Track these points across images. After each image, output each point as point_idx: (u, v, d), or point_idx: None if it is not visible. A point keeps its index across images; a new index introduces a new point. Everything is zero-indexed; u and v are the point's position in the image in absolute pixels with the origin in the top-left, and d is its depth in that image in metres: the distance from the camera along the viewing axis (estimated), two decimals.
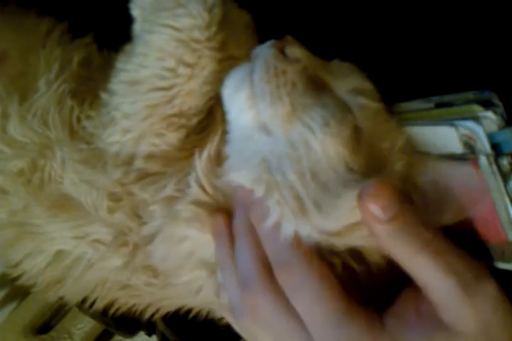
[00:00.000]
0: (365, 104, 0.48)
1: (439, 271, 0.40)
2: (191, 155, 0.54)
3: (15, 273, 0.64)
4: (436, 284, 0.40)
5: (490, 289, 0.41)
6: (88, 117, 0.58)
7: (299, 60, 0.49)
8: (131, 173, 0.53)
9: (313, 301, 0.41)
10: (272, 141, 0.47)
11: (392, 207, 0.40)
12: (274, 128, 0.47)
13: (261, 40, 0.52)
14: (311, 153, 0.46)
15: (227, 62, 0.54)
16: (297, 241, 0.44)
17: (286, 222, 0.46)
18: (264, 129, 0.48)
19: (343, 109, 0.47)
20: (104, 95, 0.56)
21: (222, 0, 0.52)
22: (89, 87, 0.60)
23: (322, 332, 0.41)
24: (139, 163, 0.54)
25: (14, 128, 0.59)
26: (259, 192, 0.47)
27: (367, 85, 0.50)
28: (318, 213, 0.45)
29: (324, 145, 0.45)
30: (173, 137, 0.54)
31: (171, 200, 0.52)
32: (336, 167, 0.46)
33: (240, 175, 0.49)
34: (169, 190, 0.52)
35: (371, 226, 0.41)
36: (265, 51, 0.49)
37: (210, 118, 0.56)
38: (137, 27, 0.55)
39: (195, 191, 0.51)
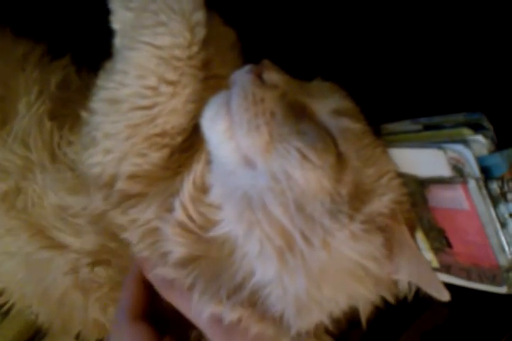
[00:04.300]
0: (347, 126, 0.47)
1: None
2: (176, 174, 0.53)
3: None
4: None
5: None
6: (69, 143, 0.57)
7: (277, 85, 0.48)
8: (112, 195, 0.52)
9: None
10: (253, 174, 0.46)
11: None
12: (255, 159, 0.46)
13: (247, 58, 0.51)
14: (294, 185, 0.45)
15: (211, 80, 0.54)
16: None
17: (265, 261, 0.46)
18: (246, 161, 0.46)
19: (325, 136, 0.46)
20: (84, 114, 0.54)
21: (207, 19, 0.51)
22: (68, 109, 0.59)
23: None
24: (120, 185, 0.52)
25: None
26: (240, 231, 0.47)
27: (348, 104, 0.49)
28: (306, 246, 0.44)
29: (306, 178, 0.44)
30: (157, 157, 0.52)
31: (151, 232, 0.51)
32: (321, 198, 0.45)
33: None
34: (151, 214, 0.51)
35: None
36: (243, 77, 0.47)
37: (195, 137, 0.55)
38: (117, 41, 0.54)
39: (179, 214, 0.50)
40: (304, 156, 0.44)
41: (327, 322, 0.48)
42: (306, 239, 0.44)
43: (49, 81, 0.61)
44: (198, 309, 0.47)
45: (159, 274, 0.50)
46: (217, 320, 0.47)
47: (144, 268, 0.52)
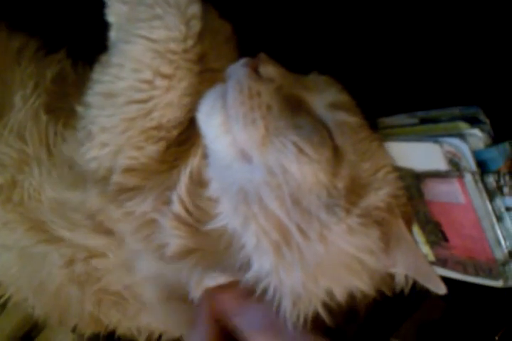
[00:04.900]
0: (344, 119, 0.47)
1: None
2: (172, 167, 0.53)
3: None
4: None
5: None
6: (64, 140, 0.56)
7: (274, 78, 0.47)
8: (108, 189, 0.52)
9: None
10: (250, 168, 0.46)
11: None
12: (252, 153, 0.46)
13: (242, 51, 0.50)
14: (290, 179, 0.44)
15: (207, 74, 0.53)
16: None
17: (262, 255, 0.45)
18: (242, 155, 0.46)
19: (321, 129, 0.46)
20: (79, 108, 0.54)
21: (202, 12, 0.50)
22: (64, 103, 0.59)
23: None
24: (116, 178, 0.52)
25: None
26: (237, 225, 0.47)
27: (344, 98, 0.49)
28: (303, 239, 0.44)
29: (302, 172, 0.44)
30: (153, 150, 0.52)
31: (147, 224, 0.51)
32: (317, 192, 0.44)
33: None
34: (147, 207, 0.51)
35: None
36: (238, 71, 0.47)
37: (191, 130, 0.54)
38: (113, 34, 0.54)
39: (176, 207, 0.50)
40: (300, 150, 0.44)
41: (323, 315, 0.48)
42: (302, 232, 0.44)
43: (44, 75, 0.60)
44: (203, 283, 0.47)
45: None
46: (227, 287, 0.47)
47: (222, 311, 0.48)
